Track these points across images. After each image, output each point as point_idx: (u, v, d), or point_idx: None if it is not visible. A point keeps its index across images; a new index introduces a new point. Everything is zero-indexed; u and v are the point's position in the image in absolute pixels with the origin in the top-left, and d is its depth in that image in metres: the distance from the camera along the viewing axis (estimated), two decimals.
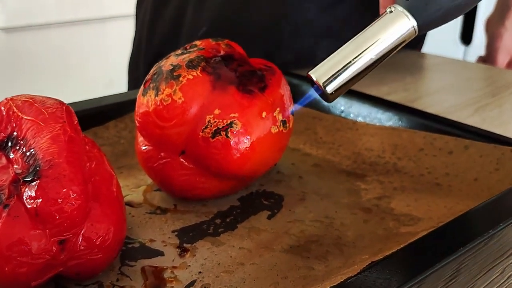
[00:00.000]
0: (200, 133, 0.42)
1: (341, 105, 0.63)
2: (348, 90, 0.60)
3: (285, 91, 0.46)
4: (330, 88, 0.38)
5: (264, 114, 0.43)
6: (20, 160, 0.35)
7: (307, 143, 0.56)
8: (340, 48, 0.39)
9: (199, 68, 0.43)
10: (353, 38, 0.39)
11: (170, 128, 0.42)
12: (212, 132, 0.42)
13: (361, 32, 0.39)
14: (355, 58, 0.38)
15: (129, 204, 0.45)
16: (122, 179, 0.49)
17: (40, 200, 0.32)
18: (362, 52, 0.38)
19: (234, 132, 0.42)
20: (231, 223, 0.43)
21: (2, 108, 0.39)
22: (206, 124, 0.42)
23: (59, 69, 2.00)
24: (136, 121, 0.44)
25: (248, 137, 0.42)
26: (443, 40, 2.24)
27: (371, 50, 0.38)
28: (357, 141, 0.56)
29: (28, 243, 0.32)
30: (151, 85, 0.43)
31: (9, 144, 0.37)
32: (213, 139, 0.42)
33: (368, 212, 0.44)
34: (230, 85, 0.43)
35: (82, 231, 0.34)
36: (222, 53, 0.45)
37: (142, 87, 0.44)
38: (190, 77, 0.42)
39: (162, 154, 0.44)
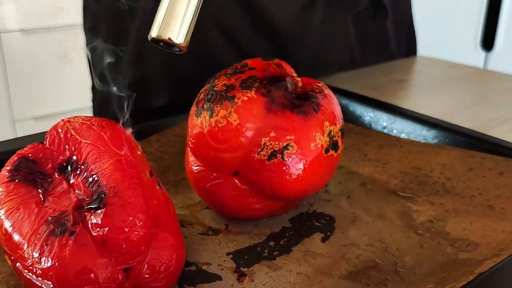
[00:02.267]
0: (256, 156, 0.41)
1: (383, 121, 0.62)
2: (391, 106, 0.60)
3: (336, 110, 0.45)
4: (181, 40, 0.38)
5: (318, 135, 0.42)
6: (81, 185, 0.35)
7: (352, 160, 0.56)
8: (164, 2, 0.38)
9: (253, 89, 0.42)
10: None
11: (224, 150, 0.42)
12: (268, 155, 0.41)
13: None
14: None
15: (181, 224, 0.45)
16: (170, 197, 0.49)
17: (107, 228, 0.32)
18: None
19: (290, 155, 0.41)
20: (286, 246, 0.43)
21: (60, 130, 0.39)
22: (262, 146, 0.41)
23: (79, 70, 2.01)
24: (189, 142, 0.44)
25: (303, 159, 0.42)
26: (463, 46, 2.22)
27: None
28: (402, 159, 0.55)
29: (95, 271, 0.32)
30: (205, 106, 0.43)
31: (69, 168, 0.37)
32: (269, 162, 0.41)
33: (423, 236, 0.43)
34: (285, 107, 0.43)
35: (147, 259, 0.34)
36: (273, 72, 0.45)
37: (194, 107, 0.44)
38: (245, 98, 0.42)
39: (214, 174, 0.44)
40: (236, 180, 0.43)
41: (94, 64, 0.83)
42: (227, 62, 0.75)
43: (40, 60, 1.98)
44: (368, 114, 0.64)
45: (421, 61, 1.00)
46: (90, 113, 2.11)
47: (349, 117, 0.64)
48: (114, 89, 0.81)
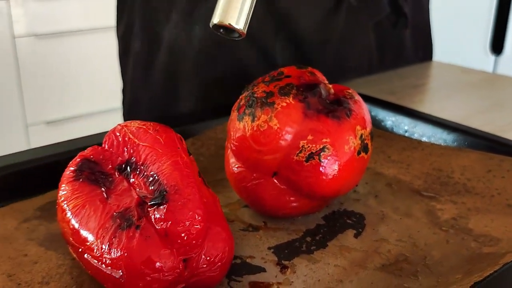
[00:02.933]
0: (294, 157, 0.45)
1: (405, 124, 0.66)
2: (412, 111, 0.63)
3: (366, 115, 0.49)
4: (242, 25, 0.41)
5: (351, 138, 0.46)
6: (142, 184, 0.39)
7: (377, 162, 0.59)
8: None
9: (291, 95, 0.46)
10: None
11: (266, 152, 0.45)
12: (306, 156, 0.45)
13: None
14: None
15: None
16: None
17: (170, 222, 0.36)
18: None
19: (326, 156, 0.45)
20: (321, 241, 0.46)
21: (118, 133, 0.42)
22: (300, 149, 0.45)
23: (91, 75, 2.05)
24: (231, 145, 0.47)
25: (338, 160, 0.45)
26: (472, 50, 2.25)
27: None
28: (424, 161, 0.59)
29: (160, 261, 0.35)
30: (247, 111, 0.46)
31: (128, 168, 0.40)
32: (307, 163, 0.45)
33: (448, 232, 0.47)
34: (320, 112, 0.46)
35: (203, 251, 0.38)
36: (307, 80, 0.49)
37: (236, 112, 0.48)
38: (284, 104, 0.45)
39: (255, 175, 0.47)
40: (275, 180, 0.47)
41: (125, 68, 0.86)
42: (252, 68, 0.79)
43: (53, 64, 2.02)
44: (390, 119, 0.67)
45: (435, 66, 1.03)
46: (102, 119, 2.14)
47: (372, 121, 0.68)
48: (144, 93, 0.85)
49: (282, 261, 0.44)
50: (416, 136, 0.64)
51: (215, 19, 0.41)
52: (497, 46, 2.23)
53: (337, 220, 0.49)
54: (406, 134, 0.65)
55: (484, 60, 2.24)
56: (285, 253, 0.45)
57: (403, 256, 0.44)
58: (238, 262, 0.43)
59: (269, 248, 0.45)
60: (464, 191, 0.53)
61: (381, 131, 0.66)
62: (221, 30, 0.42)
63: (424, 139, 0.63)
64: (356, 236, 0.47)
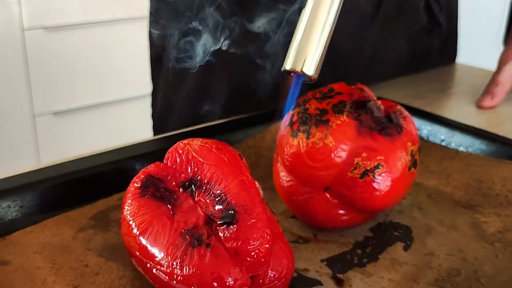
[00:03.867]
0: (349, 174, 0.46)
1: (441, 134, 0.67)
2: (448, 121, 0.64)
3: (414, 130, 0.50)
4: (313, 72, 0.43)
5: (403, 155, 0.47)
6: (208, 202, 0.40)
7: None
8: (300, 30, 0.43)
9: (345, 113, 0.47)
10: (303, 17, 0.43)
11: (320, 169, 0.47)
12: (361, 173, 0.46)
13: (306, 11, 0.43)
14: (320, 33, 0.43)
15: None
16: None
17: (240, 241, 0.37)
18: (321, 25, 0.43)
19: (381, 173, 0.46)
20: (372, 254, 0.48)
21: (180, 151, 0.43)
22: (355, 165, 0.46)
23: (98, 67, 2.07)
24: (284, 160, 0.49)
25: (391, 177, 0.47)
26: (484, 47, 2.24)
27: (327, 19, 0.43)
28: (464, 171, 0.60)
29: (230, 278, 0.37)
30: (301, 128, 0.47)
31: (193, 186, 0.42)
32: (361, 179, 0.46)
33: (496, 246, 0.48)
34: (372, 129, 0.47)
35: (270, 268, 0.39)
36: (358, 97, 0.50)
37: (289, 128, 0.49)
38: (339, 122, 0.47)
39: (306, 189, 0.49)
40: (327, 195, 0.48)
41: (158, 71, 0.87)
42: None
43: (61, 56, 2.03)
44: (426, 128, 0.68)
45: (460, 69, 1.04)
46: (109, 110, 2.15)
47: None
48: (177, 98, 0.86)
49: (337, 274, 0.45)
50: (453, 145, 0.65)
51: (288, 65, 0.43)
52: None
53: (384, 232, 0.51)
54: (443, 144, 0.66)
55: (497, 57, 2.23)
56: (338, 266, 0.46)
57: (455, 271, 0.45)
58: (294, 275, 0.45)
59: (322, 261, 0.47)
60: (507, 203, 0.54)
61: None
62: (292, 74, 0.43)
63: (461, 148, 0.65)
64: (405, 249, 0.48)
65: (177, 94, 0.85)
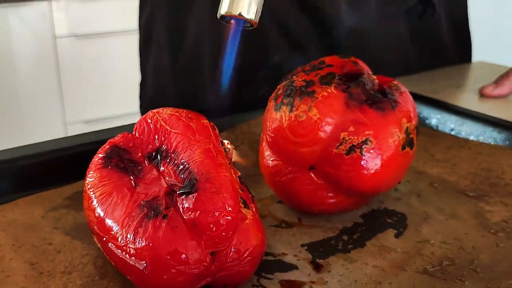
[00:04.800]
0: (334, 150, 0.42)
1: (451, 122, 0.62)
2: (458, 108, 0.60)
3: (412, 107, 0.46)
4: (252, 15, 0.39)
5: (396, 132, 0.43)
6: (171, 172, 0.37)
7: (419, 160, 0.56)
8: None
9: (333, 84, 0.43)
10: None
11: (303, 144, 0.43)
12: (347, 149, 0.42)
13: None
14: None
15: None
16: None
17: (199, 212, 0.33)
18: None
19: (369, 149, 0.42)
20: (359, 240, 0.43)
21: (149, 120, 0.40)
22: (341, 141, 0.42)
23: (126, 74, 2.06)
24: (267, 136, 0.45)
25: (381, 154, 0.42)
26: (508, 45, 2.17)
27: None
28: (472, 160, 0.55)
29: (186, 252, 0.33)
30: (285, 101, 0.44)
31: (158, 156, 0.38)
32: (347, 156, 0.42)
33: (498, 235, 0.43)
34: (363, 103, 0.43)
35: (232, 244, 0.35)
36: (350, 70, 0.46)
37: (273, 102, 0.45)
38: (325, 93, 0.43)
39: (290, 168, 0.45)
40: (312, 174, 0.44)
41: (147, 57, 0.84)
42: (283, 59, 0.75)
43: (92, 65, 2.04)
44: (435, 116, 0.64)
45: (478, 66, 0.99)
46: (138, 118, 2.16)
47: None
48: (172, 79, 0.82)
49: (316, 260, 0.41)
50: (463, 134, 0.61)
51: (223, 10, 0.39)
52: None
53: (377, 219, 0.46)
54: (452, 133, 0.62)
55: None
56: (320, 251, 0.42)
57: (449, 259, 0.41)
58: (269, 259, 0.41)
59: (303, 246, 0.43)
60: None
61: (426, 129, 0.62)
62: (232, 21, 0.40)
63: (471, 138, 0.60)
64: (397, 236, 0.44)
65: (171, 75, 0.82)
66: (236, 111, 0.64)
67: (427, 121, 0.64)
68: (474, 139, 0.59)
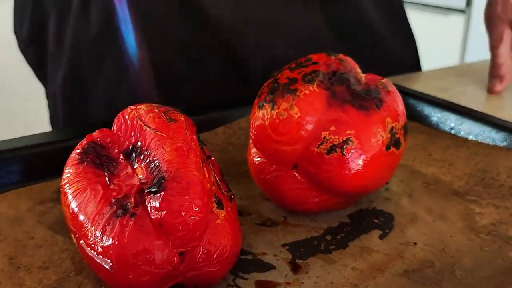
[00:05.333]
0: (315, 149, 0.42)
1: (451, 121, 0.61)
2: (459, 107, 0.58)
3: (400, 108, 0.45)
4: None
5: (379, 131, 0.42)
6: (144, 170, 0.37)
7: (416, 159, 0.55)
8: None
9: (315, 82, 0.43)
10: None
11: (285, 143, 0.42)
12: (327, 149, 0.41)
13: None
14: None
15: (239, 213, 0.46)
16: (232, 187, 0.49)
17: (164, 212, 0.33)
18: None
19: (350, 149, 0.41)
20: (342, 241, 0.43)
21: (126, 116, 0.40)
22: (322, 140, 0.41)
23: None
24: (251, 134, 0.45)
25: (363, 155, 0.42)
26: None
27: None
28: (469, 160, 0.54)
29: (152, 252, 0.33)
30: (267, 98, 0.43)
31: (134, 153, 0.38)
32: (328, 155, 0.41)
33: (485, 239, 0.42)
34: (346, 102, 0.43)
35: (202, 244, 0.35)
36: (336, 68, 0.45)
37: (257, 99, 0.45)
38: (307, 92, 0.42)
39: (274, 166, 0.44)
40: (295, 173, 0.44)
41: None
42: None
43: None
44: (435, 115, 0.63)
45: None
46: None
47: (416, 117, 0.63)
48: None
49: (296, 260, 0.40)
50: (462, 134, 0.59)
51: None
52: None
53: (363, 219, 0.46)
54: (452, 132, 0.60)
55: None
56: (301, 251, 0.41)
57: (430, 263, 0.40)
58: (248, 258, 0.41)
59: (284, 245, 0.42)
60: (509, 195, 0.48)
61: (426, 127, 0.61)
62: None
63: (470, 137, 0.58)
64: (381, 237, 0.43)
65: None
66: (235, 106, 0.64)
67: (428, 119, 0.63)
68: (473, 138, 0.58)
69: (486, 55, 0.81)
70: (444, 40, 2.31)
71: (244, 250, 0.41)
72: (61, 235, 0.43)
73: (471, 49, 2.25)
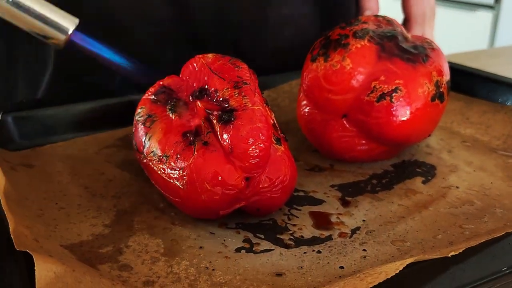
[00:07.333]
0: (365, 98, 0.45)
1: (488, 90, 0.63)
2: (495, 76, 0.61)
3: (444, 64, 0.48)
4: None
5: (425, 83, 0.45)
6: (214, 105, 0.40)
7: (454, 122, 0.58)
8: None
9: (366, 38, 0.46)
10: None
11: (336, 92, 0.46)
12: (377, 97, 0.45)
13: None
14: None
15: None
16: None
17: (236, 138, 0.37)
18: None
19: (398, 98, 0.44)
20: (387, 184, 0.46)
21: (195, 64, 0.44)
22: (372, 89, 0.45)
23: None
24: (303, 85, 0.48)
25: (410, 103, 0.45)
26: None
27: None
28: (507, 123, 0.56)
29: (223, 174, 0.37)
30: (321, 52, 0.47)
31: (202, 93, 0.42)
32: (377, 103, 0.45)
33: None
34: (394, 55, 0.46)
35: (265, 172, 0.38)
36: (384, 27, 0.48)
37: (309, 55, 0.48)
38: (358, 46, 0.45)
39: (324, 116, 0.48)
40: (344, 122, 0.47)
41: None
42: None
43: None
44: (471, 82, 0.65)
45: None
46: None
47: (452, 86, 0.66)
48: None
49: (345, 197, 0.44)
50: (500, 101, 0.62)
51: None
52: None
53: (406, 168, 0.49)
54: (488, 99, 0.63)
55: None
56: (349, 191, 0.45)
57: (472, 203, 0.43)
58: (301, 194, 0.44)
59: (333, 186, 0.46)
60: None
61: (462, 95, 0.64)
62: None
63: (508, 103, 0.61)
64: (424, 182, 0.46)
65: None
66: (279, 71, 0.67)
67: (462, 88, 0.66)
68: (511, 104, 0.61)
69: None
70: (471, 37, 2.30)
71: (296, 189, 0.45)
72: (128, 172, 0.47)
73: (500, 46, 2.24)
